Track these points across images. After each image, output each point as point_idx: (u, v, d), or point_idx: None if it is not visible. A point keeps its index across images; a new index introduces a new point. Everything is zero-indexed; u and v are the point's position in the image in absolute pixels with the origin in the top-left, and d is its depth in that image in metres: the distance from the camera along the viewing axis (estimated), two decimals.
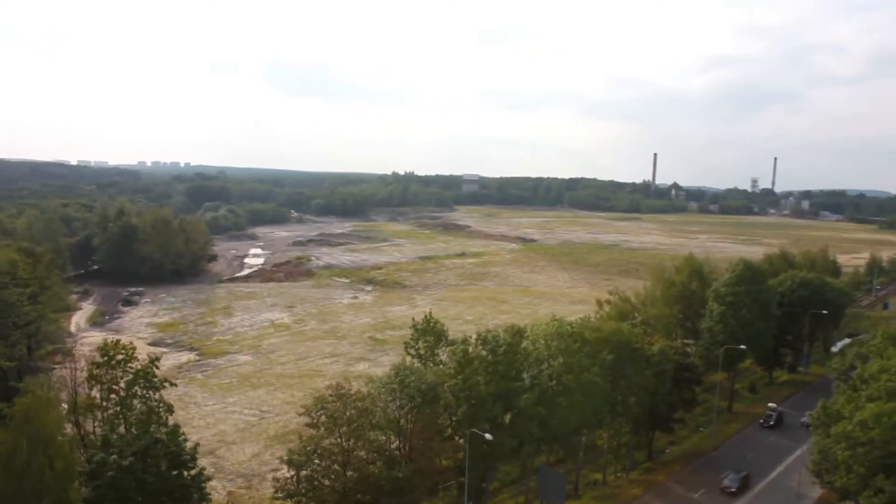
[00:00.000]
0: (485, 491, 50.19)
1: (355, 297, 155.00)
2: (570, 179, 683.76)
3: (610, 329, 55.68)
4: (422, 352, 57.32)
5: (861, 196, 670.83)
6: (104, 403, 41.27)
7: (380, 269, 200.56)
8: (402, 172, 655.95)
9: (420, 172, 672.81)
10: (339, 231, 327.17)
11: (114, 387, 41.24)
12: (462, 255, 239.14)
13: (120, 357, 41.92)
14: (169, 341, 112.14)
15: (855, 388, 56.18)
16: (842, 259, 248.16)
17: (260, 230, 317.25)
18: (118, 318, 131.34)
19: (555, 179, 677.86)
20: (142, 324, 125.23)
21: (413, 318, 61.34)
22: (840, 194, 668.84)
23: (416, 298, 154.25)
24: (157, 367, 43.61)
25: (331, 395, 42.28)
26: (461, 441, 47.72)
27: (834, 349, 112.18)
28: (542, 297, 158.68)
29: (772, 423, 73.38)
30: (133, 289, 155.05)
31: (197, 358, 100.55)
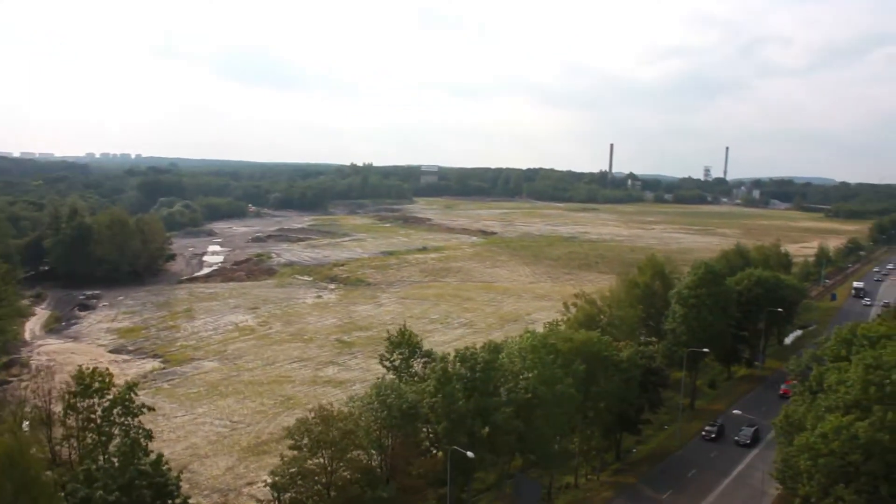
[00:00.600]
0: (465, 501, 51.20)
1: (319, 297, 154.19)
2: (529, 170, 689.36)
3: (581, 339, 57.08)
4: (396, 363, 57.80)
5: (808, 184, 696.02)
6: (82, 433, 40.61)
7: (342, 265, 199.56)
8: (360, 163, 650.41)
9: (378, 163, 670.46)
10: (299, 226, 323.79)
11: (91, 415, 40.59)
12: (424, 249, 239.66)
13: (96, 385, 41.21)
14: (131, 348, 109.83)
15: (812, 391, 59.34)
16: (792, 249, 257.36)
17: (217, 226, 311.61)
18: (75, 323, 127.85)
19: (513, 170, 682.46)
20: (101, 329, 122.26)
21: (388, 331, 61.33)
22: (788, 182, 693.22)
23: (381, 297, 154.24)
24: (136, 394, 43.05)
25: (314, 418, 42.44)
26: (440, 454, 48.50)
27: (787, 341, 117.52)
28: (505, 293, 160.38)
29: (713, 436, 71.74)
30: (89, 292, 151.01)
31: (162, 366, 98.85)
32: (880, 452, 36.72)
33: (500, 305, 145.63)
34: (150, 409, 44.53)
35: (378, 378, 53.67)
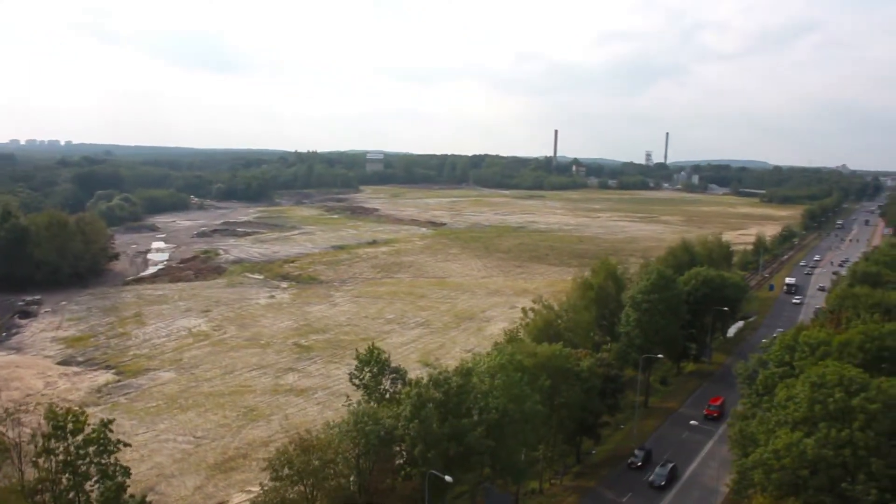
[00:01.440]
0: None
1: (272, 297, 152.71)
2: (475, 156, 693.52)
3: (545, 353, 59.15)
4: (367, 381, 58.66)
5: (744, 169, 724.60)
6: (57, 475, 40.05)
7: (293, 262, 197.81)
8: (303, 150, 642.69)
9: (323, 149, 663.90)
10: (245, 218, 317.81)
11: (67, 457, 40.06)
12: (374, 243, 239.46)
13: (70, 426, 40.63)
14: (80, 359, 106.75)
15: (758, 393, 63.28)
16: (731, 236, 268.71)
17: (160, 219, 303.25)
18: (17, 333, 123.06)
19: (459, 157, 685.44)
20: (46, 339, 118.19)
21: (357, 350, 61.83)
22: (726, 168, 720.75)
23: (335, 296, 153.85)
24: (111, 430, 42.63)
25: (294, 448, 43.01)
26: (414, 473, 49.76)
27: (730, 333, 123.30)
28: (458, 289, 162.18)
29: (639, 463, 67.50)
30: (29, 297, 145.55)
31: (116, 378, 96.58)
32: (825, 468, 40.03)
33: (455, 303, 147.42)
34: (126, 444, 44.16)
35: (349, 403, 54.32)
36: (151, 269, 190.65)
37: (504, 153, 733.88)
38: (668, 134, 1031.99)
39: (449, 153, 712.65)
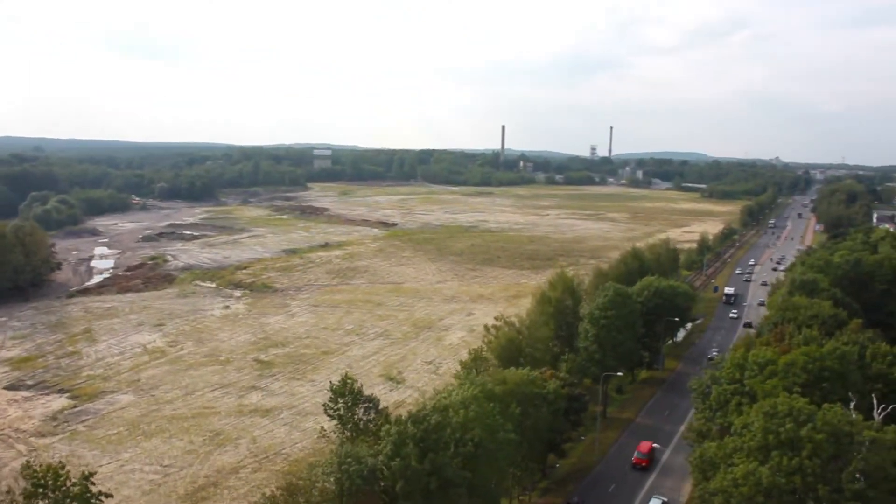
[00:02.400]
0: None
1: (227, 307, 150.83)
2: (423, 152, 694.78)
3: (514, 380, 61.37)
4: (341, 412, 59.65)
5: (685, 163, 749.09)
6: None
7: (245, 268, 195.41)
8: (247, 144, 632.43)
9: (267, 143, 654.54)
10: (191, 220, 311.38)
11: None
12: (326, 246, 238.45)
13: (50, 483, 40.40)
14: (30, 382, 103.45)
15: (712, 409, 67.19)
16: (675, 234, 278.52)
17: (101, 222, 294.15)
18: None
19: (408, 152, 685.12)
20: None
21: (331, 382, 62.61)
22: (668, 162, 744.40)
23: (291, 305, 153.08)
24: (93, 483, 42.55)
25: (281, 494, 43.82)
26: None
27: (679, 338, 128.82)
28: (414, 295, 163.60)
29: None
30: None
31: (71, 403, 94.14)
32: (778, 494, 43.48)
33: (412, 311, 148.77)
34: (108, 495, 44.09)
35: (323, 434, 55.18)
36: (97, 279, 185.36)
37: (452, 146, 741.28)
38: (612, 128, 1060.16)
39: (396, 147, 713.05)
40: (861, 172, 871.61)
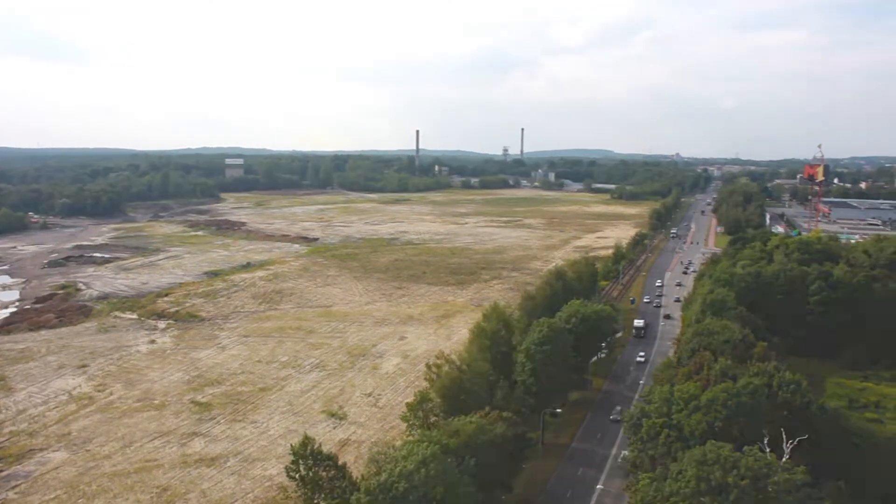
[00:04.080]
0: None
1: (153, 342, 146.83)
2: (338, 157, 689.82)
3: (467, 431, 65.12)
4: (303, 472, 61.51)
5: (594, 163, 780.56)
6: None
7: (166, 295, 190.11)
8: (149, 149, 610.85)
9: (172, 147, 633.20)
10: (99, 240, 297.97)
11: None
12: (248, 266, 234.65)
13: None
14: None
15: (643, 441, 73.52)
16: (590, 240, 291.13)
17: None
18: None
19: (322, 158, 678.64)
20: None
21: (291, 445, 64.19)
22: (578, 162, 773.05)
23: (220, 336, 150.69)
24: None
25: None
26: None
27: (601, 355, 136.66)
28: (345, 320, 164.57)
29: None
30: None
31: None
32: None
33: (345, 337, 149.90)
34: None
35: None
36: (2, 314, 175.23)
37: (367, 147, 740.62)
38: (523, 130, 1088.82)
39: (310, 149, 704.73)
40: (753, 168, 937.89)
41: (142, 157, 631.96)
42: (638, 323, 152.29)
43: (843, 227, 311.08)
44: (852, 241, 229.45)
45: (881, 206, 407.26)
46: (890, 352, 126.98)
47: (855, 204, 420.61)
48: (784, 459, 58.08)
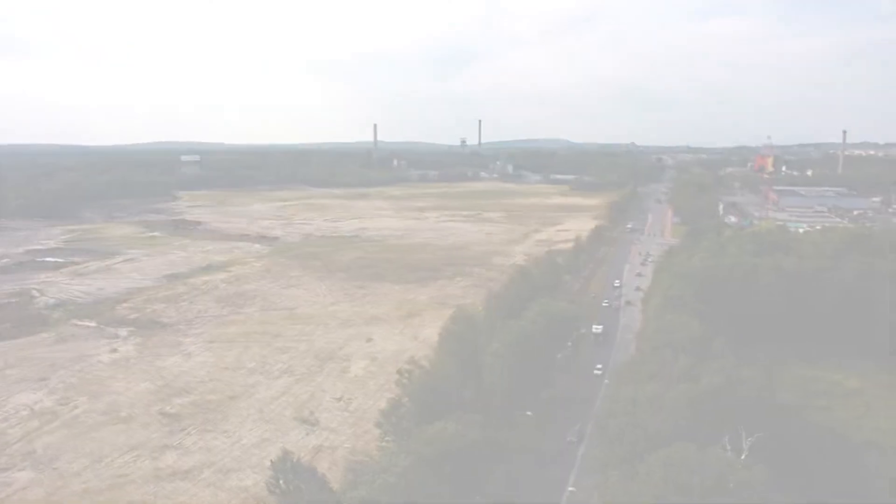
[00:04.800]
0: None
1: (115, 350, 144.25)
2: (298, 151, 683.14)
3: (443, 439, 66.78)
4: (283, 487, 62.39)
5: (553, 155, 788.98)
6: None
7: (125, 301, 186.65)
8: (102, 144, 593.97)
9: (124, 142, 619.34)
10: (52, 244, 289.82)
11: None
12: (209, 268, 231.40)
13: None
14: None
15: (611, 440, 76.36)
16: (551, 233, 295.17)
17: None
18: None
19: (282, 152, 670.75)
20: None
21: (271, 461, 64.88)
22: (536, 153, 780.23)
23: (185, 343, 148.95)
24: None
25: None
26: None
27: (567, 351, 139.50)
28: (311, 322, 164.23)
29: None
30: None
31: None
32: None
33: (312, 341, 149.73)
34: None
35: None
36: None
37: (323, 140, 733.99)
38: (480, 121, 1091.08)
39: (268, 143, 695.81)
40: (704, 156, 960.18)
41: (93, 153, 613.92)
42: (596, 329, 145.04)
43: (790, 216, 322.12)
44: (800, 230, 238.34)
45: (826, 194, 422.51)
46: (838, 340, 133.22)
47: (802, 192, 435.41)
48: (743, 457, 61.35)
